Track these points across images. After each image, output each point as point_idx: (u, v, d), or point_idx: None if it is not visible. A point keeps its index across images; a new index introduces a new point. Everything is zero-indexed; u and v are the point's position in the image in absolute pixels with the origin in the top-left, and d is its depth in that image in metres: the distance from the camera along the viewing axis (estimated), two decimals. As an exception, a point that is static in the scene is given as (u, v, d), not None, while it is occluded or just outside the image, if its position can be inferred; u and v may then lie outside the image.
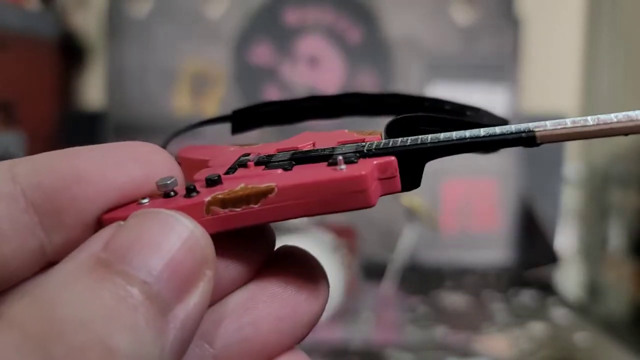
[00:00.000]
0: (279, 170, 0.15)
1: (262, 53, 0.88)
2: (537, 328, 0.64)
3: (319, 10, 0.88)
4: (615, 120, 0.15)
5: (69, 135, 0.87)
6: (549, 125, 0.15)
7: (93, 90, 0.95)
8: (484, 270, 0.84)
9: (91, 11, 0.94)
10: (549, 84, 0.92)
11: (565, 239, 0.91)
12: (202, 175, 0.15)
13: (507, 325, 0.65)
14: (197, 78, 0.88)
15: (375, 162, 0.14)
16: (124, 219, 0.13)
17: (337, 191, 0.13)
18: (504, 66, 0.88)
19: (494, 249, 0.87)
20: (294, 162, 0.15)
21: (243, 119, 0.18)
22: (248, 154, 0.16)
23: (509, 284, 0.79)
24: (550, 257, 0.81)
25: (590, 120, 0.15)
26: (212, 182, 0.15)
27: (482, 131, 0.15)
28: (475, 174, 0.87)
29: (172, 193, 0.14)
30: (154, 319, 0.12)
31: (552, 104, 0.92)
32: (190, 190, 0.14)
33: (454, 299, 0.73)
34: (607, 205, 0.87)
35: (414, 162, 0.14)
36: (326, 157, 0.15)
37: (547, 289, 0.78)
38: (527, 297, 0.75)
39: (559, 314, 0.68)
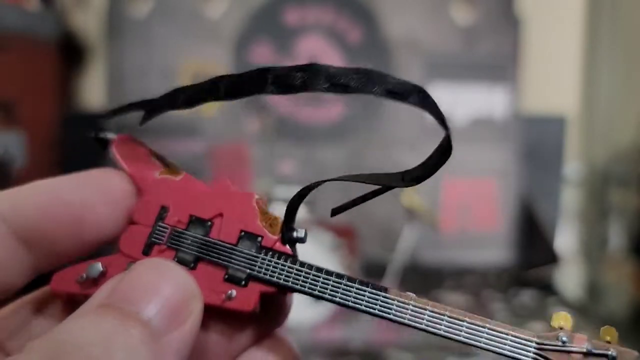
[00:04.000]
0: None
1: (262, 53, 0.88)
2: (537, 328, 0.64)
3: (319, 10, 0.88)
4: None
5: (69, 136, 0.87)
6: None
7: (93, 90, 0.95)
8: (484, 270, 0.84)
9: (91, 11, 0.94)
10: (549, 84, 0.92)
11: (565, 239, 0.91)
12: (131, 240, 0.18)
13: (507, 325, 0.65)
14: (197, 78, 0.88)
15: (260, 291, 0.17)
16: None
17: (223, 310, 0.17)
18: (504, 66, 0.88)
19: (494, 249, 0.87)
20: (201, 255, 0.18)
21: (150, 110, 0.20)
22: (167, 209, 0.19)
23: (509, 284, 0.79)
24: (550, 257, 0.81)
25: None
26: None
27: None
28: (475, 174, 0.87)
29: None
30: (148, 341, 0.14)
31: (552, 104, 0.92)
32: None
33: (454, 299, 0.73)
34: (607, 205, 0.87)
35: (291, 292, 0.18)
36: (227, 259, 0.18)
37: (547, 289, 0.78)
38: (527, 297, 0.75)
39: (559, 314, 0.68)
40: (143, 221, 0.19)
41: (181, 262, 0.18)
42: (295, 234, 0.18)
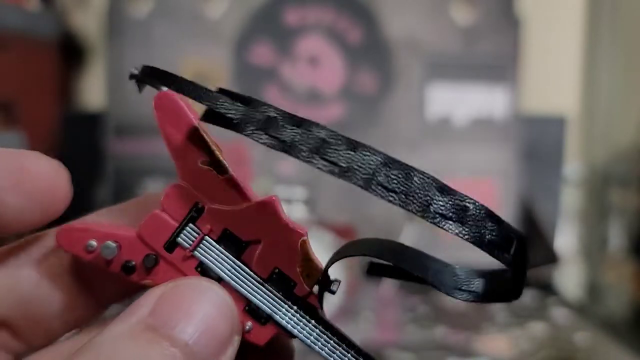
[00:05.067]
0: None
1: (262, 53, 0.88)
2: (537, 328, 0.64)
3: (319, 10, 0.88)
4: None
5: (68, 136, 0.87)
6: None
7: (93, 90, 0.95)
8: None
9: (91, 11, 0.94)
10: (549, 84, 0.92)
11: (565, 239, 0.91)
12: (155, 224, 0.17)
13: (507, 325, 0.65)
14: (197, 78, 0.87)
15: (275, 332, 0.17)
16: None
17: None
18: (504, 66, 0.88)
19: (494, 249, 0.87)
20: (227, 278, 0.17)
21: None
22: (201, 209, 0.17)
23: (509, 284, 0.79)
24: (550, 257, 0.81)
25: None
26: (148, 267, 0.17)
27: None
28: (475, 174, 0.87)
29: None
30: None
31: (552, 104, 0.92)
32: (128, 269, 0.17)
33: (453, 299, 0.73)
34: (607, 205, 0.87)
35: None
36: (253, 292, 0.17)
37: (547, 289, 0.78)
38: (527, 297, 0.75)
39: (559, 314, 0.68)
40: (171, 212, 0.17)
41: (203, 276, 0.17)
42: (330, 286, 0.17)
